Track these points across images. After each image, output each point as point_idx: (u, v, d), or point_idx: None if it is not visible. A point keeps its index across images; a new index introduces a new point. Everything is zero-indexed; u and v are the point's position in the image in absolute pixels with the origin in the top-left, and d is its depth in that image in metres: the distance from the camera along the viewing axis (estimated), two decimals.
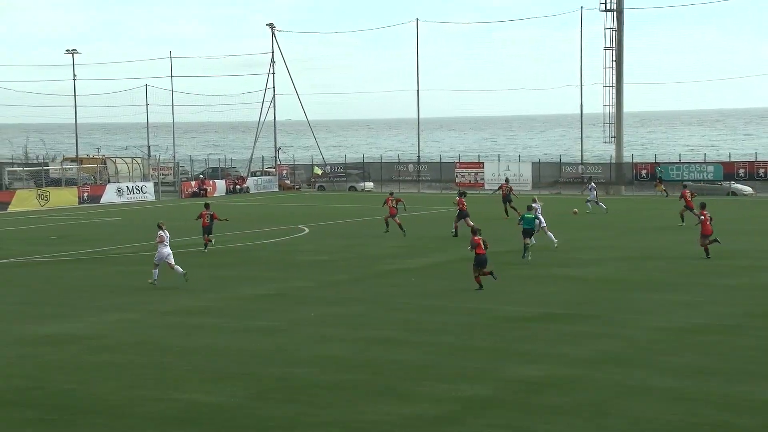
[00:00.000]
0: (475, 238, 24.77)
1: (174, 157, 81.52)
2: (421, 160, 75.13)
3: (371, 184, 71.71)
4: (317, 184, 73.44)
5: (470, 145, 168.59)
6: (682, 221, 39.65)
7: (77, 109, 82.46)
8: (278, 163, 78.27)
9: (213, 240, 34.16)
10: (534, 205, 35.62)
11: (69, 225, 46.80)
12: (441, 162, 74.09)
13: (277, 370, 16.57)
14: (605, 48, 66.25)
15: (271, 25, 76.96)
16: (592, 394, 14.83)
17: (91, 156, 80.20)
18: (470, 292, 24.09)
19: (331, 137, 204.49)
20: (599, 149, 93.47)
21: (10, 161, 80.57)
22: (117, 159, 75.58)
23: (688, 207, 39.98)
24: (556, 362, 16.81)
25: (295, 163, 79.57)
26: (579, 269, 28.43)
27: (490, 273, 24.57)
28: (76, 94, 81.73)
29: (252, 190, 70.58)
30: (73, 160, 74.10)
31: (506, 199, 44.55)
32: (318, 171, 74.92)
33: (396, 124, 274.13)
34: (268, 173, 75.55)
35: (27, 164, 75.82)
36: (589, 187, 50.28)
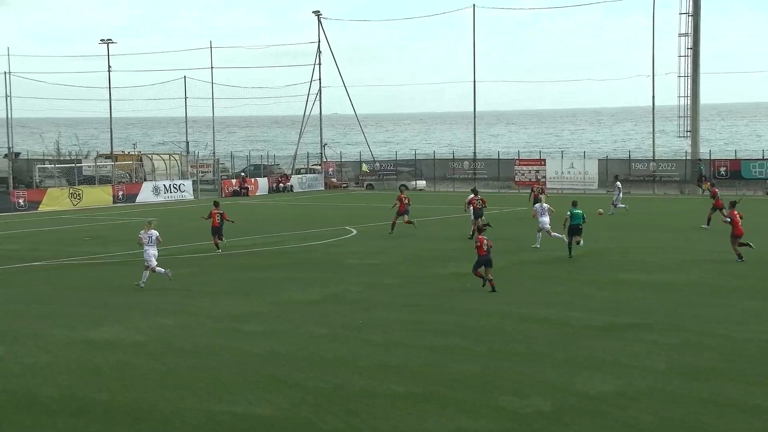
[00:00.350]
0: (479, 236, 25.19)
1: (214, 153, 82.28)
2: (478, 157, 74.89)
3: (423, 182, 71.59)
4: (366, 183, 73.55)
5: (531, 141, 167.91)
6: (708, 224, 39.02)
7: (112, 102, 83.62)
8: (324, 159, 78.45)
9: (225, 240, 35.12)
10: (536, 206, 35.72)
11: (103, 225, 47.44)
12: (499, 159, 73.79)
13: (323, 377, 16.61)
14: (680, 34, 65.39)
15: (317, 13, 77.32)
16: (592, 394, 15.22)
17: (126, 152, 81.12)
18: (506, 295, 24.49)
19: (380, 132, 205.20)
20: (674, 145, 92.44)
21: (41, 158, 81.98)
22: (154, 155, 76.56)
23: (717, 207, 39.02)
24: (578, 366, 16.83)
25: (342, 159, 79.72)
26: (591, 271, 28.95)
27: (490, 282, 24.79)
28: (112, 86, 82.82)
29: (296, 189, 70.96)
30: (107, 157, 75.19)
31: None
32: (365, 168, 75.04)
33: (450, 118, 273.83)
34: (313, 171, 75.81)
35: (59, 161, 76.99)
36: (617, 185, 49.88)
